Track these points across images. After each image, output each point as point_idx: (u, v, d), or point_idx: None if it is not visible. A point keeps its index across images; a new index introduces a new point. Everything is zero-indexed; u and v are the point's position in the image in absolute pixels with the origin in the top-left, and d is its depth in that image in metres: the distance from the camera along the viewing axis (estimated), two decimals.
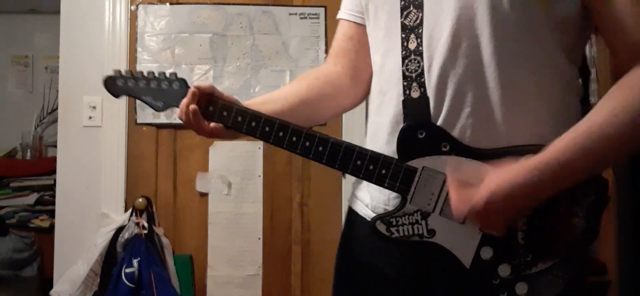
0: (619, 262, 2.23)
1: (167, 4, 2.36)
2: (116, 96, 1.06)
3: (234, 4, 2.38)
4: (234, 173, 2.36)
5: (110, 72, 1.05)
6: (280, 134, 0.96)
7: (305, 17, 2.38)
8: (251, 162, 2.35)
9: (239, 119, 0.98)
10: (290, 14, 2.38)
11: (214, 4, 2.37)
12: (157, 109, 1.04)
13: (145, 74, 1.04)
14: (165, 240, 2.28)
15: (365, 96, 1.15)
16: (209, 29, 2.37)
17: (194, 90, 0.99)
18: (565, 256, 0.87)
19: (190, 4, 2.37)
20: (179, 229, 2.35)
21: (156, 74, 1.04)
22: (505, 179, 0.82)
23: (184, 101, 1.00)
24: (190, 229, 2.36)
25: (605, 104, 0.82)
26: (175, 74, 1.04)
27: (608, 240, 2.25)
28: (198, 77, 2.36)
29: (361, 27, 1.10)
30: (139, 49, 2.34)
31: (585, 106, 0.94)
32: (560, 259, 0.87)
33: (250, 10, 2.38)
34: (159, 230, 2.29)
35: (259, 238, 2.36)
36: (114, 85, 1.05)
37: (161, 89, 1.03)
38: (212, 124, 1.00)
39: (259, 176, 2.37)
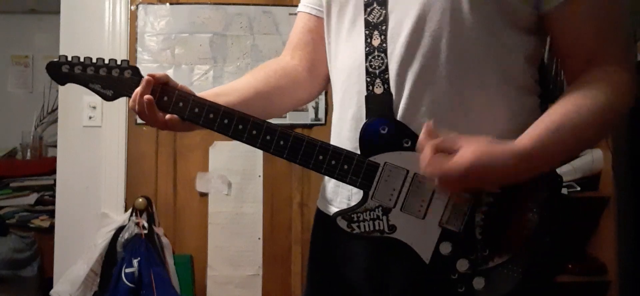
0: (619, 262, 2.23)
1: (167, 4, 2.36)
2: (62, 83, 1.00)
3: (234, 4, 2.38)
4: (234, 173, 2.36)
5: (55, 58, 1.00)
6: (240, 127, 0.93)
7: None
8: (251, 162, 2.35)
9: (196, 110, 0.94)
10: (290, 14, 2.38)
11: (214, 4, 2.37)
12: (107, 98, 0.99)
13: (94, 60, 0.99)
14: (165, 240, 2.28)
15: (322, 89, 1.16)
16: (209, 29, 2.37)
17: (148, 78, 0.95)
18: (520, 251, 0.89)
19: (190, 4, 2.37)
20: (179, 229, 2.35)
21: (106, 61, 0.98)
22: (484, 152, 0.82)
23: (137, 90, 0.95)
24: (190, 229, 2.36)
25: (569, 100, 0.86)
26: (127, 61, 0.98)
27: (608, 240, 2.25)
28: (198, 77, 2.36)
29: (321, 20, 1.09)
30: (139, 49, 2.34)
31: (544, 106, 0.96)
32: (515, 253, 0.88)
33: (250, 10, 2.38)
34: (159, 230, 2.29)
35: (259, 238, 2.36)
36: (58, 72, 0.99)
37: (111, 77, 0.98)
38: (168, 116, 0.95)
39: (259, 176, 2.37)
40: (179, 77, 2.33)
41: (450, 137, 0.85)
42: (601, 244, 2.29)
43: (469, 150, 0.82)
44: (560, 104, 0.87)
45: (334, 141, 1.01)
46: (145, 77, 0.95)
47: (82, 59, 0.99)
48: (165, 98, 0.95)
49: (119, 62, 0.98)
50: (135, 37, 2.35)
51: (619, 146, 2.29)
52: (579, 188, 2.21)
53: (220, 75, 2.36)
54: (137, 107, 0.96)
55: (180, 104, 0.95)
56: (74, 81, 0.99)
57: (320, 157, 0.92)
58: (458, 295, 0.89)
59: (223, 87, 1.05)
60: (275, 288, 2.37)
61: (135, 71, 0.98)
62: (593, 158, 2.23)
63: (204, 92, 1.00)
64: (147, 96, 0.94)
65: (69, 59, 0.99)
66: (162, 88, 0.96)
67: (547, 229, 0.89)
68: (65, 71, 0.99)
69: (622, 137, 2.38)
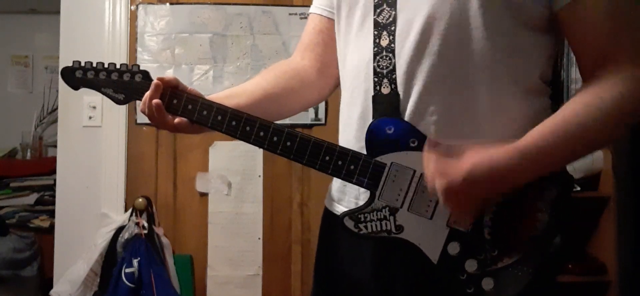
0: (619, 262, 2.23)
1: (167, 4, 2.36)
2: (75, 88, 1.03)
3: (234, 4, 2.38)
4: (234, 173, 2.36)
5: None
6: (247, 128, 0.95)
7: (305, 17, 2.36)
8: (251, 162, 2.35)
9: (205, 113, 0.96)
10: (290, 14, 2.38)
11: (214, 4, 2.37)
12: (118, 102, 1.02)
13: (106, 65, 1.01)
14: (165, 240, 2.28)
15: (332, 90, 1.16)
16: (209, 29, 2.37)
17: (157, 82, 0.97)
18: (529, 251, 0.88)
19: (190, 4, 2.37)
20: (179, 229, 2.35)
21: (118, 66, 1.01)
22: (484, 157, 0.83)
23: (147, 93, 0.97)
24: (190, 229, 2.36)
25: (579, 99, 0.85)
26: (137, 65, 1.01)
27: (608, 240, 2.25)
28: (198, 77, 2.36)
29: (332, 22, 1.09)
30: (139, 49, 2.34)
31: (556, 106, 0.95)
32: (524, 254, 0.88)
33: (250, 10, 2.38)
34: (159, 230, 2.29)
35: (259, 238, 2.36)
36: (72, 77, 1.02)
37: (123, 81, 1.00)
38: (177, 120, 0.98)
39: (259, 176, 2.37)
40: (179, 77, 2.29)
41: (454, 145, 0.85)
42: (601, 244, 2.29)
43: (471, 154, 0.82)
44: (570, 104, 0.85)
45: (342, 141, 1.01)
46: (154, 81, 0.97)
47: (94, 64, 1.01)
48: (175, 101, 0.97)
49: (130, 67, 1.01)
50: (135, 37, 2.35)
51: (619, 146, 2.29)
52: (579, 188, 2.21)
53: (220, 75, 2.36)
54: (147, 110, 0.97)
55: (190, 106, 0.97)
56: (87, 86, 1.02)
57: (327, 157, 0.92)
58: (467, 295, 0.89)
59: (233, 90, 1.06)
60: (275, 288, 2.36)
61: (146, 75, 1.00)
62: (593, 158, 2.23)
63: (214, 94, 1.02)
64: (155, 100, 0.96)
65: (82, 64, 1.01)
66: (172, 91, 0.97)
67: (557, 229, 0.88)
68: (78, 76, 1.01)
69: (622, 138, 2.38)
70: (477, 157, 0.83)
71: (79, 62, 1.02)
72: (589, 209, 2.29)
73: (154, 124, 0.99)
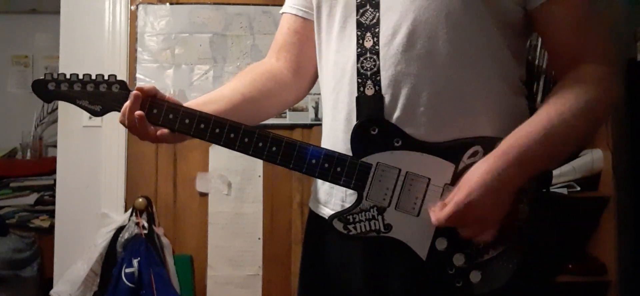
0: (619, 262, 2.23)
1: (167, 4, 2.36)
2: (47, 101, 1.01)
3: (234, 4, 2.38)
4: (234, 173, 2.36)
5: (40, 76, 1.00)
6: (232, 135, 0.94)
7: None
8: (251, 162, 2.35)
9: (187, 121, 0.94)
10: None
11: (214, 4, 2.38)
12: (95, 114, 0.99)
13: (80, 76, 0.99)
14: (165, 240, 2.28)
15: (308, 90, 1.16)
16: (209, 29, 2.37)
17: (136, 93, 0.94)
18: (513, 242, 0.89)
19: (190, 4, 2.37)
20: (179, 229, 2.35)
21: (93, 76, 0.99)
22: (476, 173, 0.84)
23: (126, 104, 0.95)
24: (190, 229, 2.36)
25: (555, 99, 0.88)
26: (114, 76, 0.99)
27: (608, 240, 2.25)
28: (198, 77, 2.36)
29: (307, 22, 1.09)
30: (139, 49, 2.34)
31: (531, 105, 0.98)
32: (509, 245, 0.89)
33: (250, 10, 2.38)
34: (159, 230, 2.29)
35: (259, 238, 2.36)
36: (44, 90, 1.00)
37: (99, 92, 0.98)
38: (159, 132, 0.96)
39: (259, 176, 2.37)
40: (179, 77, 2.33)
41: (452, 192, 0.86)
42: (601, 244, 2.29)
43: (467, 180, 0.84)
44: (549, 103, 0.88)
45: (327, 143, 1.01)
46: (134, 91, 0.95)
47: (68, 76, 0.99)
48: (155, 111, 0.95)
49: (106, 77, 0.98)
50: (135, 37, 2.35)
51: (619, 146, 2.29)
52: (579, 188, 2.21)
53: (220, 75, 2.36)
54: (126, 122, 0.95)
55: (170, 115, 0.95)
56: (60, 98, 1.00)
57: (313, 161, 0.93)
58: (456, 289, 0.90)
59: (210, 95, 1.04)
60: (275, 288, 2.37)
61: (123, 85, 0.98)
62: (593, 158, 2.23)
63: (192, 101, 1.00)
64: (138, 112, 0.93)
65: (55, 76, 1.00)
66: (151, 101, 0.95)
67: (538, 220, 0.90)
68: (51, 89, 1.00)
69: (622, 137, 2.38)
70: (469, 179, 0.84)
71: (51, 74, 1.00)
72: (589, 209, 2.29)
73: (135, 135, 0.96)
